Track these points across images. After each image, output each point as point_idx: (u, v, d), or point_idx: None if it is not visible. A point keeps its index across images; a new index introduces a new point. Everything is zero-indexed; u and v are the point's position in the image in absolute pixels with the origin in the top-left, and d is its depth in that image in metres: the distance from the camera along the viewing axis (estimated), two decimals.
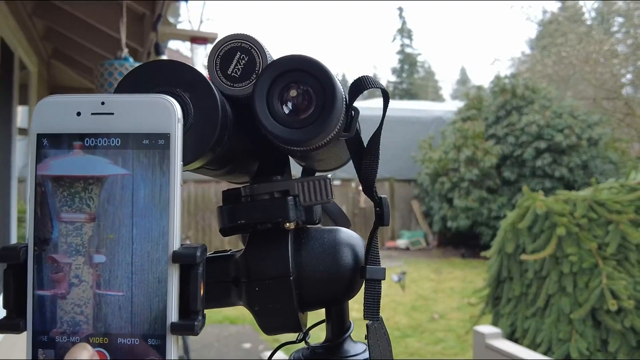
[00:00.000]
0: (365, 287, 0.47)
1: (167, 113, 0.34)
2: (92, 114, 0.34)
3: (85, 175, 0.33)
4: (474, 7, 76.40)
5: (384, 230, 11.71)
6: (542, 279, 3.83)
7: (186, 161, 0.37)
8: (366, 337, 0.46)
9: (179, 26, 3.15)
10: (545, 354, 3.46)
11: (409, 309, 6.65)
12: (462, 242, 10.51)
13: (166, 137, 0.33)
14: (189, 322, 0.33)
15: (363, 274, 0.46)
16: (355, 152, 0.47)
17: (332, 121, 0.41)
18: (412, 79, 37.20)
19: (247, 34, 0.43)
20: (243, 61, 0.43)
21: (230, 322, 6.05)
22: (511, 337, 3.86)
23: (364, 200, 10.57)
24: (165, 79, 0.40)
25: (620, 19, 13.59)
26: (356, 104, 0.45)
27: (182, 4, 2.40)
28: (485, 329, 3.14)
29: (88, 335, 0.33)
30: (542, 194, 4.21)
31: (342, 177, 10.99)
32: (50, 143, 0.34)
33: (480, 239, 9.71)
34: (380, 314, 0.46)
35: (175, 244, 0.33)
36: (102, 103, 0.34)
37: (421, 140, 11.35)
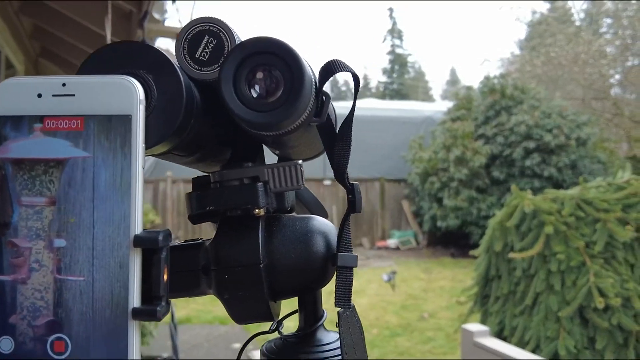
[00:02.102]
0: (336, 275, 0.46)
1: (128, 94, 0.33)
2: (53, 95, 0.33)
3: (45, 157, 0.33)
4: (464, 8, 76.65)
5: (375, 230, 11.73)
6: (530, 277, 3.85)
7: (149, 144, 0.37)
8: (337, 324, 0.46)
9: (167, 23, 3.13)
10: (533, 351, 3.47)
11: (399, 308, 6.66)
12: (452, 241, 10.54)
13: (127, 118, 0.33)
14: (151, 308, 0.33)
15: (334, 261, 0.46)
16: (327, 138, 0.46)
17: (301, 104, 0.40)
18: (403, 79, 37.27)
19: (216, 17, 0.43)
20: (211, 45, 0.42)
21: (220, 323, 6.04)
22: (499, 335, 3.87)
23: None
24: (128, 60, 0.39)
25: (608, 20, 13.70)
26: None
27: (169, 2, 2.39)
28: (473, 327, 3.15)
29: (49, 322, 0.32)
30: (530, 193, 4.22)
31: (332, 178, 10.99)
32: (11, 125, 0.33)
33: (470, 238, 9.74)
34: (352, 301, 0.46)
35: (137, 228, 0.33)
36: (63, 84, 0.33)
37: (411, 140, 11.37)
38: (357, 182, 0.46)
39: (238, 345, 5.27)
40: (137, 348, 0.32)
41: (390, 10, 41.49)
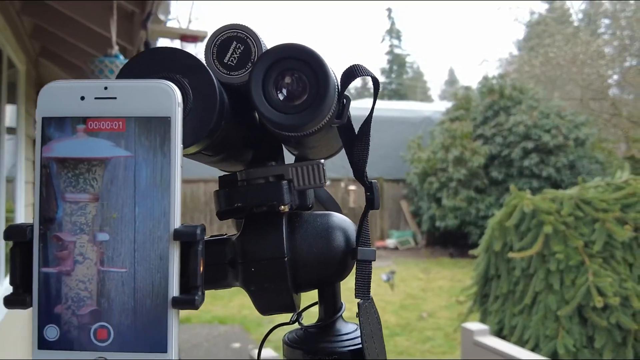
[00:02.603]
0: (356, 268, 0.48)
1: (167, 97, 0.35)
2: (95, 98, 0.35)
3: (88, 157, 0.35)
4: (463, 8, 76.73)
5: (373, 230, 11.75)
6: (530, 276, 3.87)
7: (185, 144, 0.39)
8: (357, 315, 0.48)
9: (167, 24, 3.15)
10: (532, 350, 3.49)
11: (398, 308, 6.68)
12: (451, 241, 10.56)
13: (167, 120, 0.35)
14: (190, 297, 0.35)
15: (354, 255, 0.48)
16: (347, 139, 0.49)
17: (325, 107, 0.43)
18: (401, 79, 37.26)
19: (243, 24, 0.45)
20: (239, 50, 0.45)
21: (220, 322, 6.05)
22: (499, 334, 3.89)
23: (353, 200, 10.60)
24: (165, 65, 0.41)
25: (606, 21, 13.73)
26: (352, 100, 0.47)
27: (173, 3, 2.41)
28: (473, 325, 3.16)
29: (92, 311, 0.34)
30: (529, 193, 4.25)
31: (332, 177, 11.02)
32: (55, 126, 0.35)
33: (469, 238, 9.76)
34: (370, 293, 0.48)
35: (176, 223, 0.35)
36: (105, 88, 0.35)
37: (410, 140, 11.40)
38: (376, 181, 0.49)
39: (237, 345, 5.28)
40: (176, 335, 0.34)
41: (389, 10, 41.56)
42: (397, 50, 37.67)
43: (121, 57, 2.27)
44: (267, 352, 2.86)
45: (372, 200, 0.49)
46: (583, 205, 3.84)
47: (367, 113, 0.48)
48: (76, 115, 0.35)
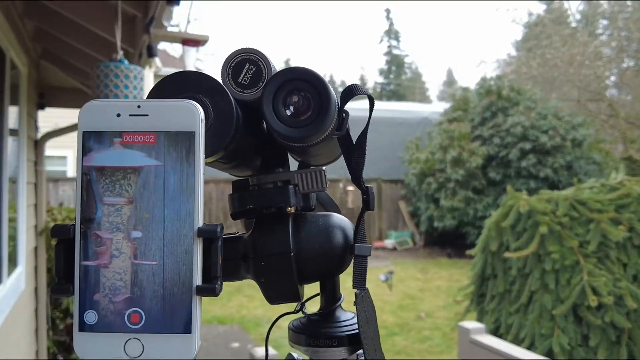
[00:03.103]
0: (354, 262, 0.55)
1: (192, 115, 0.41)
2: (130, 115, 0.41)
3: (124, 166, 0.40)
4: (461, 9, 76.84)
5: (372, 231, 11.79)
6: (525, 276, 3.92)
7: (207, 155, 0.45)
8: (354, 303, 0.54)
9: (169, 28, 3.19)
10: (528, 349, 3.54)
11: (396, 308, 6.73)
12: (449, 242, 10.62)
13: (192, 135, 0.41)
14: (211, 285, 0.40)
15: (352, 250, 0.55)
16: (346, 148, 0.55)
17: (327, 122, 0.50)
18: (400, 80, 37.35)
19: (255, 48, 0.52)
20: (251, 71, 0.52)
21: (219, 322, 6.10)
22: (495, 333, 3.94)
23: (351, 200, 10.65)
24: (190, 86, 0.48)
25: (604, 22, 13.76)
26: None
27: (176, 8, 2.46)
28: (470, 324, 3.21)
29: (126, 298, 0.40)
30: (525, 193, 4.30)
31: (330, 179, 11.02)
32: (95, 139, 0.41)
33: (467, 238, 9.82)
34: (366, 285, 0.55)
35: (200, 222, 0.40)
36: (139, 106, 0.41)
37: (408, 141, 11.45)
38: (371, 185, 0.55)
39: (236, 345, 5.33)
40: (199, 319, 0.40)
41: (387, 11, 41.66)
42: (395, 51, 37.74)
43: (126, 62, 2.32)
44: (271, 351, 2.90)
45: (367, 202, 0.55)
46: (578, 206, 3.89)
47: (364, 113, 0.55)
48: (113, 130, 0.41)
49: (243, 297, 7.09)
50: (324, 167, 0.55)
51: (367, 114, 0.54)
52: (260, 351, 2.86)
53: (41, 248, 4.07)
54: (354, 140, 0.55)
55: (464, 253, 5.79)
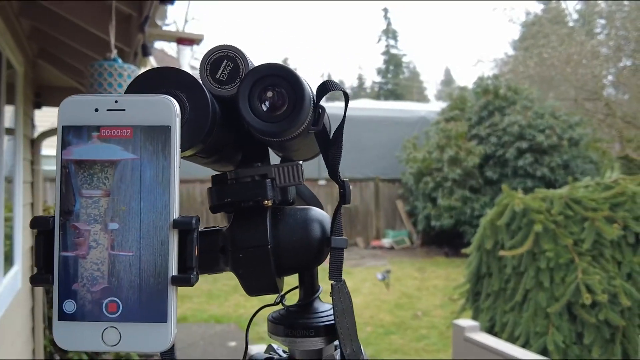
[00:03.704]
0: (330, 254, 0.56)
1: (168, 110, 0.42)
2: (107, 110, 0.42)
3: (101, 159, 0.41)
4: (458, 9, 76.89)
5: (369, 230, 11.82)
6: (520, 274, 3.94)
7: (183, 148, 0.46)
8: (330, 294, 0.55)
9: (164, 27, 3.20)
10: (523, 347, 3.55)
11: (393, 307, 6.74)
12: (446, 241, 10.63)
13: (167, 129, 0.42)
14: (186, 276, 0.42)
15: (329, 243, 0.56)
16: (323, 143, 0.57)
17: (302, 116, 0.51)
18: (397, 79, 37.34)
19: (233, 45, 0.53)
20: (229, 67, 0.53)
21: (216, 321, 6.11)
22: (490, 331, 3.96)
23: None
24: (165, 82, 0.49)
25: (602, 21, 13.76)
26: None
27: (170, 7, 2.47)
28: (464, 322, 3.21)
29: (104, 288, 0.41)
30: (521, 192, 4.31)
31: (327, 178, 11.03)
32: (74, 133, 0.42)
33: (464, 237, 9.82)
34: (342, 276, 0.56)
35: (175, 214, 0.42)
36: (116, 101, 0.42)
37: (405, 140, 11.46)
38: (347, 179, 0.56)
39: (234, 344, 5.34)
40: (175, 308, 0.41)
41: (385, 10, 41.55)
42: (393, 51, 37.74)
43: (119, 60, 2.33)
44: (261, 347, 2.91)
45: (344, 196, 0.57)
46: (573, 205, 3.91)
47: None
48: (91, 124, 0.42)
49: (240, 297, 7.10)
50: (300, 162, 0.56)
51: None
52: (255, 349, 2.86)
53: None
54: (330, 136, 0.56)
55: (461, 252, 5.81)
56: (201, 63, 0.53)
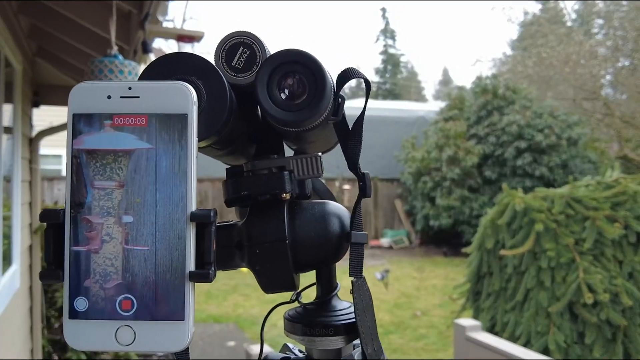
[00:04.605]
0: (350, 250, 0.54)
1: (184, 97, 0.40)
2: (120, 97, 0.40)
3: (114, 149, 0.39)
4: (457, 8, 76.93)
5: (368, 229, 11.80)
6: (521, 273, 3.92)
7: (199, 138, 0.44)
8: (351, 291, 0.53)
9: (164, 24, 3.18)
10: (524, 346, 3.53)
11: (392, 307, 6.73)
12: (444, 240, 10.63)
13: (184, 117, 0.40)
14: (204, 271, 0.39)
15: (349, 238, 0.54)
16: (342, 134, 0.54)
17: (322, 105, 0.48)
18: (395, 79, 37.31)
19: (249, 31, 0.50)
20: (245, 54, 0.50)
21: (215, 321, 6.09)
22: (491, 330, 3.94)
23: (347, 199, 10.64)
24: (182, 68, 0.46)
25: (600, 21, 13.77)
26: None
27: (171, 3, 2.45)
28: (466, 321, 3.20)
29: (118, 284, 0.39)
30: (521, 192, 4.30)
31: (327, 177, 11.01)
32: (85, 122, 0.40)
33: (462, 237, 9.83)
34: (362, 273, 0.54)
35: (193, 206, 0.39)
36: (130, 88, 0.40)
37: (404, 140, 11.46)
38: (367, 172, 0.54)
39: (232, 343, 5.32)
40: (192, 306, 0.39)
41: (383, 10, 41.50)
42: (391, 50, 37.72)
43: (120, 57, 2.31)
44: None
45: (364, 189, 0.54)
46: (574, 204, 3.89)
47: (360, 111, 0.53)
48: (104, 112, 0.40)
49: (239, 296, 7.08)
50: (319, 154, 0.54)
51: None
52: (256, 349, 2.85)
53: (36, 246, 4.05)
54: (350, 127, 0.54)
55: (460, 251, 5.80)
56: (216, 50, 0.50)
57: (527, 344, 3.66)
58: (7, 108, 3.55)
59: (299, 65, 0.48)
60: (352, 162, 0.54)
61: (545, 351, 3.55)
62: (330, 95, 0.49)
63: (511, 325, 3.86)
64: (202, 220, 0.40)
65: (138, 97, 0.40)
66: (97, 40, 3.07)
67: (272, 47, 0.50)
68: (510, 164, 9.80)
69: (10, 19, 3.17)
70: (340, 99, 0.52)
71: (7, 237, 3.32)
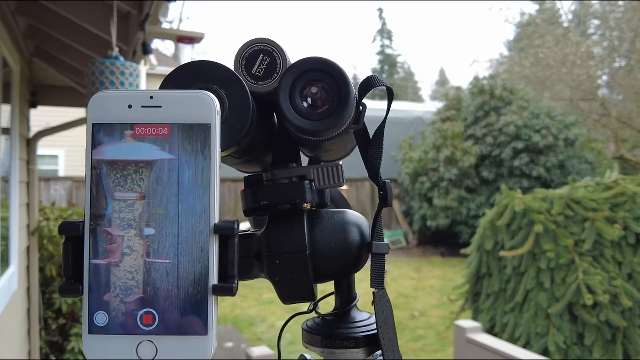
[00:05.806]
0: (371, 260, 0.53)
1: (207, 106, 0.39)
2: (141, 106, 0.39)
3: (135, 159, 0.38)
4: (453, 9, 76.99)
5: None
6: (520, 274, 3.92)
7: (221, 148, 0.43)
8: (372, 303, 0.52)
9: (163, 24, 3.16)
10: (523, 347, 3.54)
11: None
12: (442, 240, 10.63)
13: (207, 127, 0.39)
14: (228, 285, 0.38)
15: (369, 248, 0.53)
16: (362, 142, 0.53)
17: (346, 114, 0.47)
18: (392, 79, 37.33)
19: (269, 38, 0.50)
20: (265, 62, 0.49)
21: None
22: (490, 331, 3.94)
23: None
24: (203, 77, 0.46)
25: (596, 21, 13.81)
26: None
27: (171, 4, 2.43)
28: (466, 323, 3.20)
29: (138, 298, 0.38)
30: (519, 192, 4.30)
31: None
32: (105, 131, 0.39)
33: (460, 237, 9.83)
34: (384, 284, 0.52)
35: (216, 218, 0.39)
36: (151, 97, 0.39)
37: (401, 140, 11.45)
38: (389, 181, 0.53)
39: (230, 344, 5.31)
40: (215, 320, 0.38)
41: (380, 10, 41.60)
42: (388, 51, 37.75)
43: (121, 58, 2.29)
44: (262, 349, 2.89)
45: (385, 198, 0.53)
46: (573, 205, 3.89)
47: (381, 120, 0.52)
48: (124, 121, 0.39)
49: (237, 297, 7.06)
50: (340, 162, 0.53)
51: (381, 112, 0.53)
52: (256, 351, 2.84)
53: (33, 248, 4.03)
54: (371, 135, 0.53)
55: (457, 252, 5.80)
56: (235, 57, 0.49)
57: (526, 345, 3.66)
58: (5, 108, 3.54)
59: (323, 74, 0.48)
60: (373, 170, 0.53)
61: (544, 352, 3.55)
62: (353, 104, 0.48)
63: (510, 326, 3.86)
64: (225, 232, 0.39)
65: (160, 106, 0.39)
66: (95, 40, 3.06)
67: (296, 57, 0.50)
68: (507, 164, 9.80)
69: (7, 19, 3.16)
70: (361, 107, 0.51)
71: (5, 238, 3.31)
